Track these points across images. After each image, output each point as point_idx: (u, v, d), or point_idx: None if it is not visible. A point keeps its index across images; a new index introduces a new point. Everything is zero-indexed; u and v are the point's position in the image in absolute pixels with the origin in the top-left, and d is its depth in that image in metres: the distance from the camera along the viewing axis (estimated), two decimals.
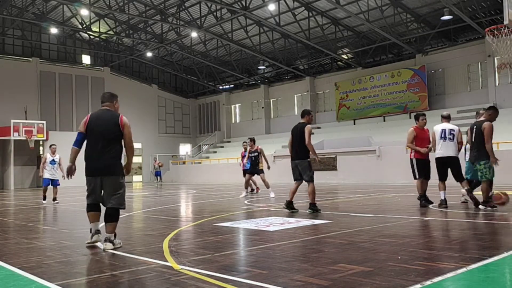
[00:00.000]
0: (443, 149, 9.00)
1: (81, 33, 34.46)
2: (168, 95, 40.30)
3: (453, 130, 9.08)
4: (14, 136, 28.13)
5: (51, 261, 4.76)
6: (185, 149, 40.93)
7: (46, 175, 13.83)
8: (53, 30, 31.82)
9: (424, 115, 9.49)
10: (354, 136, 25.87)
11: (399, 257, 4.38)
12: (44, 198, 13.80)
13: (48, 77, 33.39)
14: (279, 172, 26.60)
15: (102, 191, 5.42)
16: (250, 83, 38.15)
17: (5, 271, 4.38)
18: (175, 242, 5.74)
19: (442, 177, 9.22)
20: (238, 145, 34.91)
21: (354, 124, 30.33)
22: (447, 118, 9.30)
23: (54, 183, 13.92)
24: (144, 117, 37.98)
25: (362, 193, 14.25)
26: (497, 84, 24.88)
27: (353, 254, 4.63)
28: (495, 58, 22.90)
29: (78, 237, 6.68)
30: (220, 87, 39.86)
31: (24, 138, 28.43)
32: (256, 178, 15.14)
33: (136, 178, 38.27)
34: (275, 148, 29.39)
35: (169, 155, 38.55)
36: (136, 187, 26.78)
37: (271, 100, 36.57)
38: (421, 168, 9.14)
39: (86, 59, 36.76)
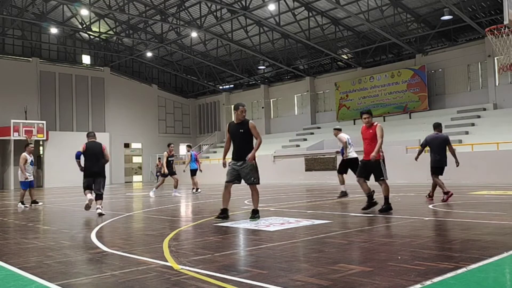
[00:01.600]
0: (354, 152, 12.23)
1: (81, 33, 34.45)
2: (168, 95, 40.30)
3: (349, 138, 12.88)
4: (14, 136, 28.12)
5: (51, 261, 4.76)
6: (185, 149, 40.89)
7: (28, 177, 12.75)
8: (53, 30, 31.82)
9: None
10: (354, 136, 25.80)
11: (399, 257, 4.38)
12: (24, 203, 12.58)
13: (48, 77, 33.39)
14: (278, 172, 26.64)
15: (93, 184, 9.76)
16: (250, 83, 38.15)
17: (5, 271, 4.38)
18: (175, 242, 5.74)
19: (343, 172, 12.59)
20: None
21: (354, 124, 30.30)
22: (339, 130, 13.42)
23: (32, 184, 13.00)
24: (144, 117, 37.99)
25: (362, 193, 14.22)
26: (497, 84, 24.88)
27: (353, 254, 4.63)
28: (495, 58, 22.91)
29: (78, 237, 6.68)
30: (220, 87, 39.86)
31: (24, 138, 28.42)
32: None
33: (136, 178, 38.28)
34: (275, 148, 29.39)
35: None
36: (136, 187, 26.77)
37: (271, 100, 36.56)
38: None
39: (86, 59, 36.75)
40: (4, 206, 13.65)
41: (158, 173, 29.30)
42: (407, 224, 6.81)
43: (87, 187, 9.70)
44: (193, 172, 17.91)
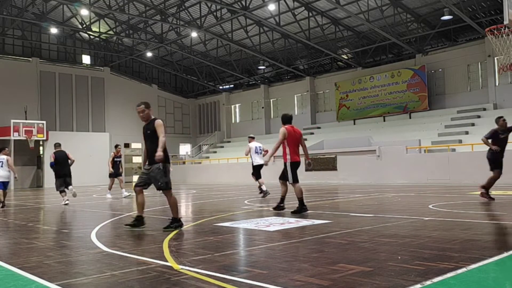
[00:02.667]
0: (257, 159, 13.97)
1: (81, 33, 34.45)
2: (168, 95, 40.29)
3: (261, 146, 14.48)
4: (14, 136, 28.11)
5: (51, 261, 4.76)
6: (185, 149, 40.92)
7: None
8: (53, 30, 31.82)
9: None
10: (354, 136, 25.87)
11: (399, 257, 4.38)
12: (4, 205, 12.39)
13: (48, 77, 33.38)
14: (278, 172, 26.59)
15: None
16: (250, 83, 38.15)
17: (5, 271, 4.39)
18: (175, 242, 5.75)
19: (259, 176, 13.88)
20: (238, 145, 34.94)
21: (354, 124, 30.33)
22: (253, 138, 14.78)
23: (6, 185, 12.80)
24: None
25: (362, 193, 14.25)
26: (497, 84, 24.88)
27: (353, 254, 4.63)
28: (495, 58, 22.91)
29: (78, 237, 6.68)
30: (220, 87, 39.86)
31: (24, 138, 28.43)
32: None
33: (136, 178, 38.23)
34: None
35: (169, 155, 38.52)
36: None
37: (271, 100, 36.57)
38: (294, 170, 8.91)
39: (86, 59, 36.75)
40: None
41: None
42: (407, 224, 6.81)
43: (60, 185, 13.06)
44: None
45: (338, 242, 5.36)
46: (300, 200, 8.66)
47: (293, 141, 8.89)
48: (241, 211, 9.64)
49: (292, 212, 8.56)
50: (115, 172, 16.47)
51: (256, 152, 14.28)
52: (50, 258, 4.93)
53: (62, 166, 13.06)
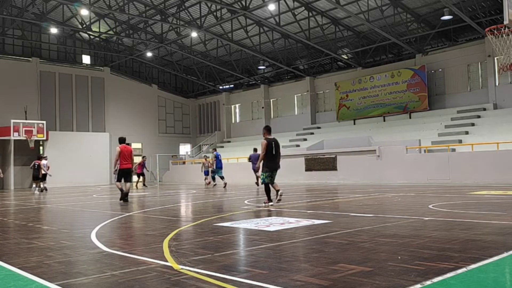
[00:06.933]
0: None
1: (81, 33, 34.46)
2: (168, 95, 40.30)
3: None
4: (14, 136, 28.11)
5: (51, 261, 4.76)
6: (185, 149, 40.91)
7: None
8: (53, 30, 31.81)
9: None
10: (354, 136, 25.87)
11: (399, 257, 4.38)
12: None
13: (48, 77, 33.39)
14: (278, 172, 26.55)
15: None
16: (250, 83, 38.15)
17: (5, 271, 4.39)
18: (175, 242, 5.74)
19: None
20: (238, 145, 34.96)
21: (354, 124, 30.33)
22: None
23: None
24: (144, 117, 37.99)
25: (362, 193, 14.26)
26: (497, 84, 24.88)
27: (353, 254, 4.63)
28: (495, 58, 22.92)
29: (78, 237, 6.68)
30: (220, 87, 39.86)
31: (24, 138, 28.42)
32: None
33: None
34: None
35: (169, 155, 38.55)
36: (139, 187, 26.75)
37: (271, 100, 36.57)
38: (123, 174, 13.60)
39: (86, 59, 36.75)
40: (4, 206, 13.65)
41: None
42: (407, 224, 6.81)
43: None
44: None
45: (338, 242, 5.36)
46: (126, 194, 13.33)
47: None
48: (241, 211, 9.64)
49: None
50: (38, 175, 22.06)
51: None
52: (50, 258, 4.93)
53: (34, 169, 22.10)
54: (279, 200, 10.63)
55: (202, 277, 3.85)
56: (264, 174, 10.59)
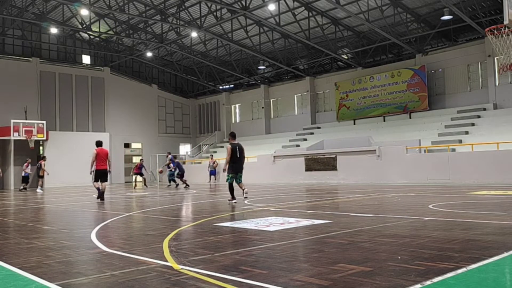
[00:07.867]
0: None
1: (81, 33, 34.46)
2: (168, 95, 40.30)
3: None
4: (14, 136, 28.12)
5: (51, 261, 4.76)
6: (185, 149, 40.91)
7: None
8: (53, 30, 31.82)
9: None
10: (354, 136, 25.88)
11: (399, 257, 4.38)
12: None
13: (48, 77, 33.39)
14: (278, 172, 26.63)
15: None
16: (250, 83, 38.15)
17: (5, 271, 4.38)
18: (175, 242, 5.74)
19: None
20: None
21: (354, 124, 30.33)
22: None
23: None
24: (144, 117, 37.99)
25: (362, 193, 14.26)
26: (497, 84, 24.89)
27: (353, 254, 4.63)
28: (495, 58, 22.92)
29: (78, 237, 6.68)
30: (220, 87, 39.86)
31: (24, 138, 28.42)
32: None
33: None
34: (275, 148, 29.39)
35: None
36: (139, 186, 26.75)
37: (271, 100, 36.57)
38: (99, 175, 14.33)
39: (86, 59, 36.75)
40: (4, 206, 13.65)
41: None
42: (407, 224, 6.81)
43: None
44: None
45: (338, 242, 5.36)
46: (102, 193, 13.99)
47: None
48: (241, 211, 9.64)
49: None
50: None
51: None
52: (50, 258, 4.93)
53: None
54: (246, 197, 12.14)
55: (202, 277, 3.85)
56: (228, 175, 12.02)
